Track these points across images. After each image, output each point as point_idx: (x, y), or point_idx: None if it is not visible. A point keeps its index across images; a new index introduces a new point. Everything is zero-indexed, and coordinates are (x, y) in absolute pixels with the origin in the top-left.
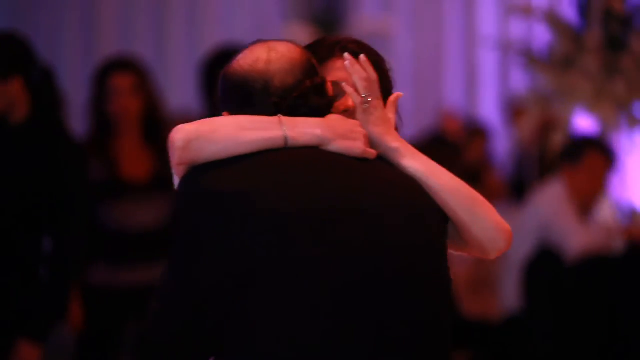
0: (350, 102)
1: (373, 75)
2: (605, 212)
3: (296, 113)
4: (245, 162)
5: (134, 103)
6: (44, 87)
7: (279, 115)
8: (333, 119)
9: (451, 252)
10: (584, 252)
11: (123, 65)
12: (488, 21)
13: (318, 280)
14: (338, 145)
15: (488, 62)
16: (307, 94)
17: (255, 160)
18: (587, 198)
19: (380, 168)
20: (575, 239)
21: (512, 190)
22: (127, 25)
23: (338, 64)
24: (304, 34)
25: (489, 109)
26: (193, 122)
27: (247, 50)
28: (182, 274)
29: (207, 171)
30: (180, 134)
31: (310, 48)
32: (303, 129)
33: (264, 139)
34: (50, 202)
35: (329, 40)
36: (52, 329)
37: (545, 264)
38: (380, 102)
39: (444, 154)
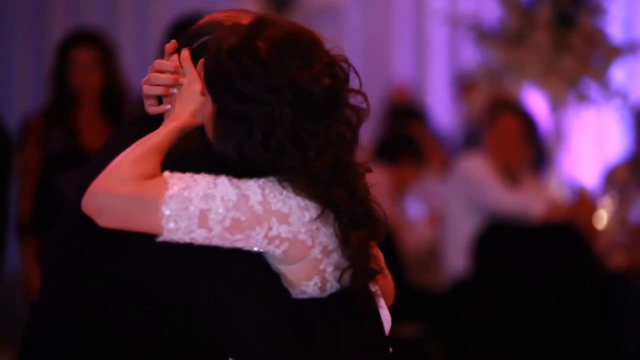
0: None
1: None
2: (552, 188)
3: None
4: None
5: (94, 77)
6: None
7: None
8: None
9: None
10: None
11: (86, 38)
12: None
13: None
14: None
15: (438, 36)
16: None
17: None
18: (509, 162)
19: None
20: (502, 197)
21: None
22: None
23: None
24: (255, 9)
25: (438, 84)
26: None
27: None
28: None
29: None
30: None
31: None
32: None
33: None
34: None
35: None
36: None
37: (494, 236)
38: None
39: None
